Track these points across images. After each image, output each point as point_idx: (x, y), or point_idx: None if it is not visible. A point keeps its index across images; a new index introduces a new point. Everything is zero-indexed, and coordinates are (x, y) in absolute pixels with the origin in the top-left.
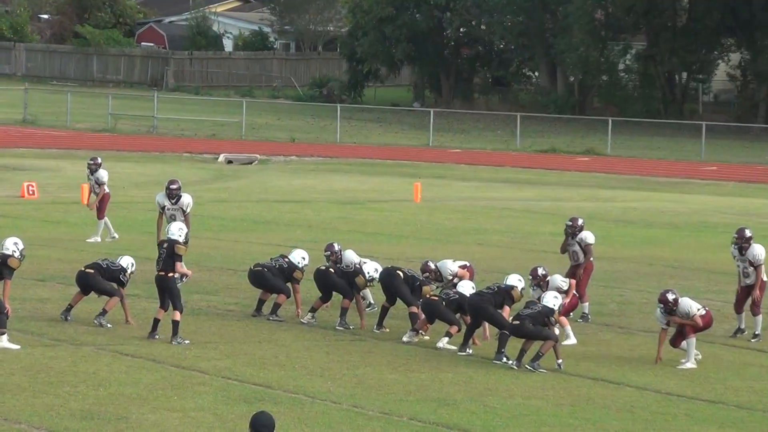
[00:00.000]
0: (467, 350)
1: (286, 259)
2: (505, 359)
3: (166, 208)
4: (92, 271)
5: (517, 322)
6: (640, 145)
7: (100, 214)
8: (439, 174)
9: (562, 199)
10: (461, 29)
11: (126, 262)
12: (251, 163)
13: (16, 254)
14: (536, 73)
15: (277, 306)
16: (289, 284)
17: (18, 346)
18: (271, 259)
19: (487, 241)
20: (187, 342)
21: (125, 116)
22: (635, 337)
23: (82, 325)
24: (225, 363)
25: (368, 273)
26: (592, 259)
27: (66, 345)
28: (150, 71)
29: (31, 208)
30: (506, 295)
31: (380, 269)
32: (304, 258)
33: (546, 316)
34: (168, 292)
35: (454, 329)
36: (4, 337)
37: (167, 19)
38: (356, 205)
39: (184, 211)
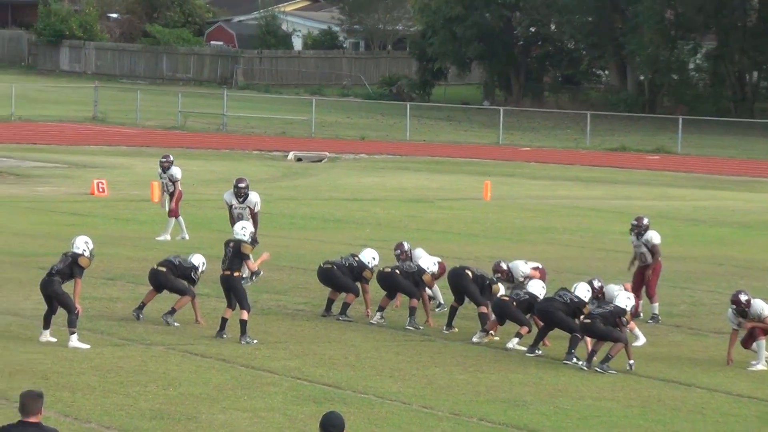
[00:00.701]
0: (536, 351)
1: (357, 258)
2: (575, 360)
3: (233, 206)
4: (164, 269)
5: (588, 320)
6: (710, 143)
7: (173, 212)
8: (508, 172)
9: (632, 197)
10: (531, 28)
11: (198, 260)
12: (321, 160)
13: (87, 253)
14: (606, 72)
15: (346, 306)
16: (358, 283)
17: (88, 346)
18: (341, 257)
19: (557, 240)
20: (255, 342)
21: (195, 114)
22: (706, 338)
23: (152, 324)
24: (295, 363)
25: (427, 268)
26: (660, 258)
27: (136, 344)
28: (219, 70)
29: (100, 205)
30: (578, 310)
31: (438, 262)
32: (374, 258)
33: (617, 316)
34: (234, 292)
35: (524, 330)
36: (74, 336)
37: (236, 18)
38: (426, 203)
39: (251, 210)
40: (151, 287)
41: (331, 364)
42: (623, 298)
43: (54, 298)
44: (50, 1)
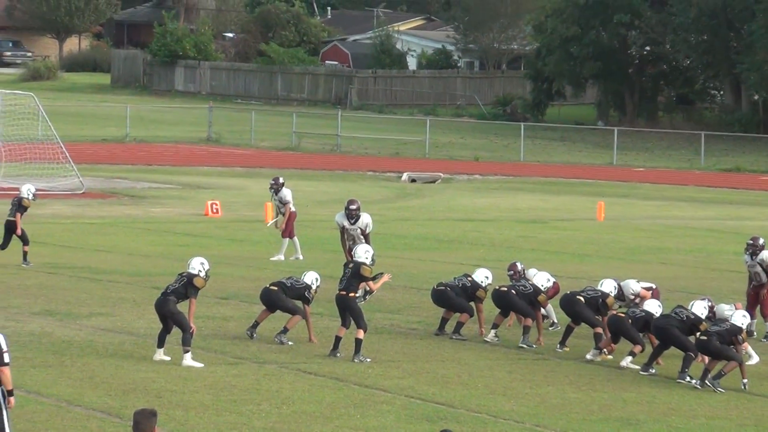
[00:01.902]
0: (650, 370)
1: (470, 278)
2: (688, 378)
3: (345, 227)
4: (276, 288)
5: (705, 338)
6: None
7: (286, 233)
8: (622, 193)
9: (747, 218)
10: (646, 47)
11: (310, 278)
12: (435, 181)
13: (202, 274)
14: (721, 92)
15: (460, 325)
16: (471, 303)
17: (201, 365)
18: (454, 278)
19: (671, 260)
20: (368, 360)
21: (309, 134)
22: None
23: (265, 343)
24: (408, 381)
25: (542, 285)
26: None
27: (249, 363)
28: (334, 89)
29: (214, 226)
30: (694, 327)
31: (552, 279)
32: (487, 277)
33: (734, 334)
34: (350, 312)
35: (638, 349)
36: (188, 355)
37: (351, 38)
38: (539, 223)
39: (363, 231)
40: (264, 307)
41: (444, 383)
42: (739, 316)
43: (168, 317)
44: (165, 20)
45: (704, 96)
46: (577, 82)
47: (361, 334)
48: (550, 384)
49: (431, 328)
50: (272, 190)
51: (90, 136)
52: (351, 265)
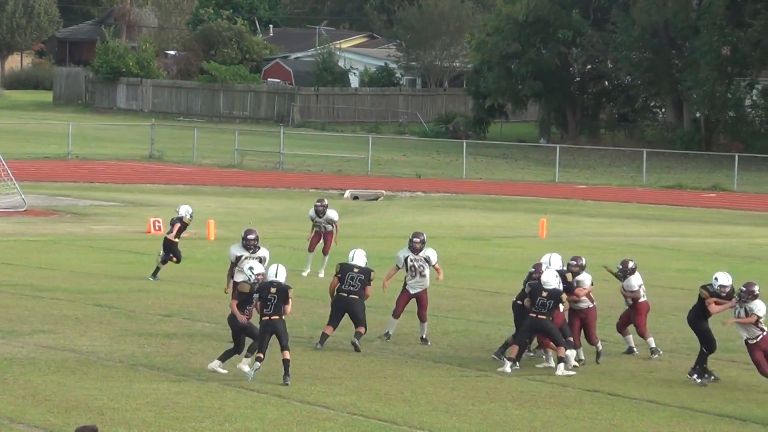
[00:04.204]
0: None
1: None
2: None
3: (242, 257)
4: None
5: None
6: (766, 181)
7: (327, 249)
8: (565, 210)
9: (689, 235)
10: (587, 65)
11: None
12: (377, 198)
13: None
14: (662, 109)
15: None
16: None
17: (226, 371)
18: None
19: (613, 277)
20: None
21: (252, 152)
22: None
23: (208, 359)
24: (350, 398)
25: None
26: (645, 299)
27: (192, 380)
28: (276, 107)
29: (157, 243)
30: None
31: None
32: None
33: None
34: (278, 336)
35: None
36: (217, 363)
37: (293, 56)
38: (482, 240)
39: (261, 261)
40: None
41: (387, 400)
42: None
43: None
44: (107, 38)
45: (646, 113)
46: (517, 100)
47: (287, 355)
48: (492, 401)
49: (374, 344)
50: (316, 213)
51: (32, 154)
52: (274, 290)
